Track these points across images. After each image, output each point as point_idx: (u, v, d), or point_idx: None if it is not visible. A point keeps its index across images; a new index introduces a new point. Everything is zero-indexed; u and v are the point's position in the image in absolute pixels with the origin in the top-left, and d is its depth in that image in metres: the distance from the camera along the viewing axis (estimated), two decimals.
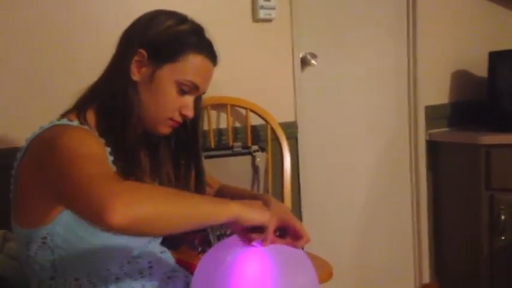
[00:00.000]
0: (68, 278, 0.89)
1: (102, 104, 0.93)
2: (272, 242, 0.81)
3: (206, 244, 1.30)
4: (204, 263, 0.83)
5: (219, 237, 1.31)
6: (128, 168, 0.72)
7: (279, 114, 1.77)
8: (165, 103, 0.93)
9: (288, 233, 0.86)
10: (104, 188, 0.68)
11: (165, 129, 0.97)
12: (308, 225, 1.81)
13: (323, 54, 1.97)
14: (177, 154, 1.04)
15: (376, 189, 2.21)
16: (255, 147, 1.68)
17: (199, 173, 1.06)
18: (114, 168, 0.88)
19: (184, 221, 0.72)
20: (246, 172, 1.67)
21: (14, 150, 0.93)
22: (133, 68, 0.92)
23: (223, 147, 1.69)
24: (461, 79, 2.34)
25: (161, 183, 1.02)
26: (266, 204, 0.89)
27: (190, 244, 1.32)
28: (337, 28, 2.04)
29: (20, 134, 1.34)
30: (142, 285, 0.93)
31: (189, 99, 0.96)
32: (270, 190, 1.73)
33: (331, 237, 2.08)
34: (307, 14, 1.93)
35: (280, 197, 1.69)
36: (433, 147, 2.26)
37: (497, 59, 2.06)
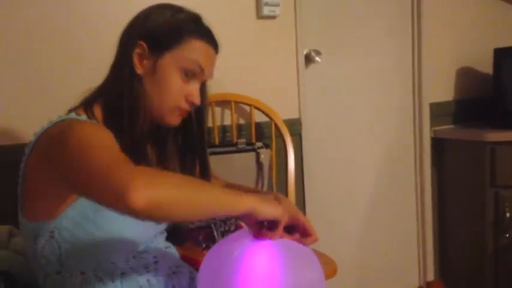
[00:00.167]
0: (74, 272, 0.89)
1: (109, 103, 0.93)
2: (281, 237, 0.82)
3: (210, 240, 1.31)
4: (211, 257, 0.84)
5: (223, 234, 1.31)
6: (134, 162, 0.72)
7: (283, 111, 1.77)
8: (170, 91, 0.93)
9: (296, 230, 0.86)
10: (124, 170, 0.68)
11: (174, 120, 0.97)
12: (312, 221, 1.81)
13: (327, 52, 1.97)
14: (184, 149, 1.05)
15: (381, 186, 2.21)
16: (259, 144, 1.68)
17: (205, 168, 1.06)
18: None
19: (201, 208, 0.72)
20: (250, 169, 1.67)
21: (14, 147, 0.93)
22: (136, 62, 0.92)
23: (227, 143, 1.69)
24: (466, 76, 2.33)
25: None
26: (277, 200, 0.90)
27: (194, 240, 1.33)
28: (342, 25, 2.04)
29: (20, 134, 1.36)
30: (147, 279, 0.93)
31: (194, 87, 0.96)
32: (274, 187, 1.74)
33: (336, 234, 2.08)
34: (311, 11, 1.93)
35: (285, 194, 1.69)
36: (437, 144, 2.26)
37: (502, 55, 2.05)
